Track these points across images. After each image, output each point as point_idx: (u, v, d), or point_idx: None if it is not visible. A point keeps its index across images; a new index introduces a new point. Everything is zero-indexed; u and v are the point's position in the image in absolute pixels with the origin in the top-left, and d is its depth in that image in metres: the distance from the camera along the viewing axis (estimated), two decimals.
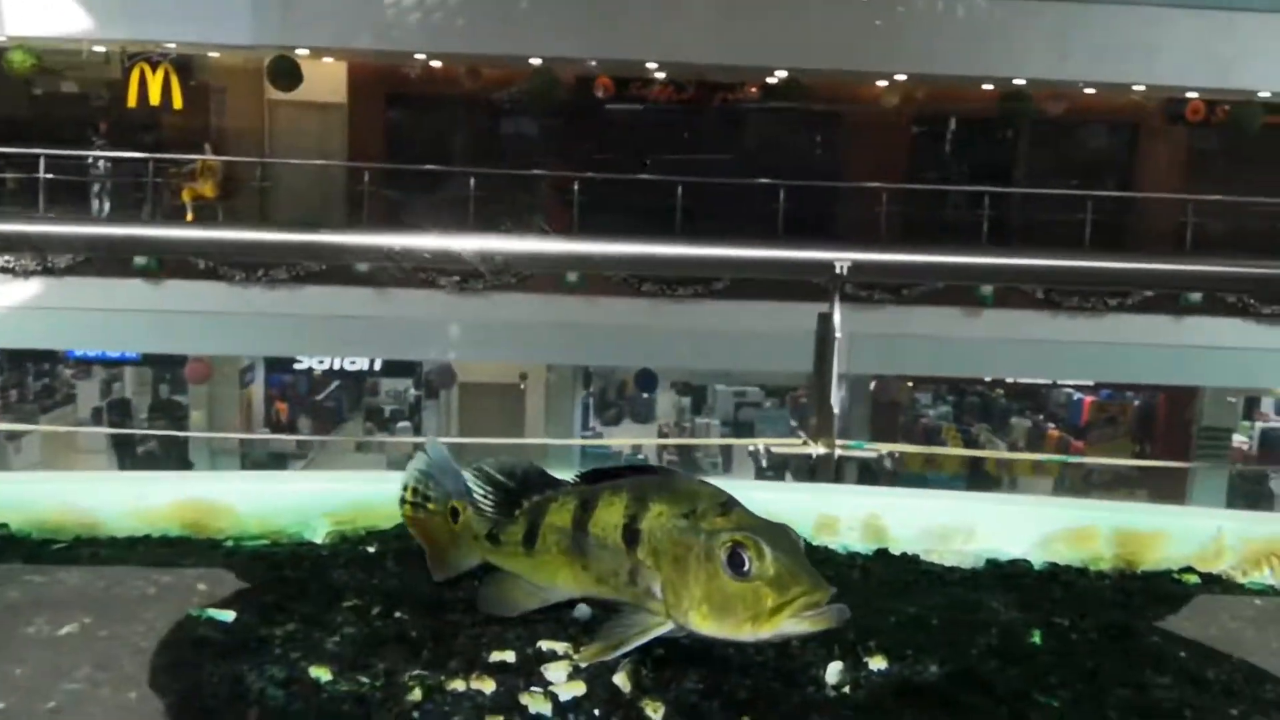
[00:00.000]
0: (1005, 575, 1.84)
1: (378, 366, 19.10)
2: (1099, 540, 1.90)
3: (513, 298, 15.41)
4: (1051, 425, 19.27)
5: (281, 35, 14.89)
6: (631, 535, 1.40)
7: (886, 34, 15.75)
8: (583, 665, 1.39)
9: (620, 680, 1.35)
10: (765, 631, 1.27)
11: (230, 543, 1.71)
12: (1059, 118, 17.35)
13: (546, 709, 1.28)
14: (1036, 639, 1.57)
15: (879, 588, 1.77)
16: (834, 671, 1.44)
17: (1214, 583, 1.84)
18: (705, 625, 1.31)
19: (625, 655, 1.38)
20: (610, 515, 1.42)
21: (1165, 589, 1.80)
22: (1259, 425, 18.47)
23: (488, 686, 1.32)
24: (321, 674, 1.30)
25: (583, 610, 1.58)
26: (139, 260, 14.56)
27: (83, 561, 1.62)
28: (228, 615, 1.42)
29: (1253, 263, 3.59)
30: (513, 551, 1.53)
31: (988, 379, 19.15)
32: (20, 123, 15.98)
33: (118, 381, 18.47)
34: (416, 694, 1.28)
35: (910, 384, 20.06)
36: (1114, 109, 17.81)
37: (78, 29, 14.24)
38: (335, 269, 14.85)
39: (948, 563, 1.86)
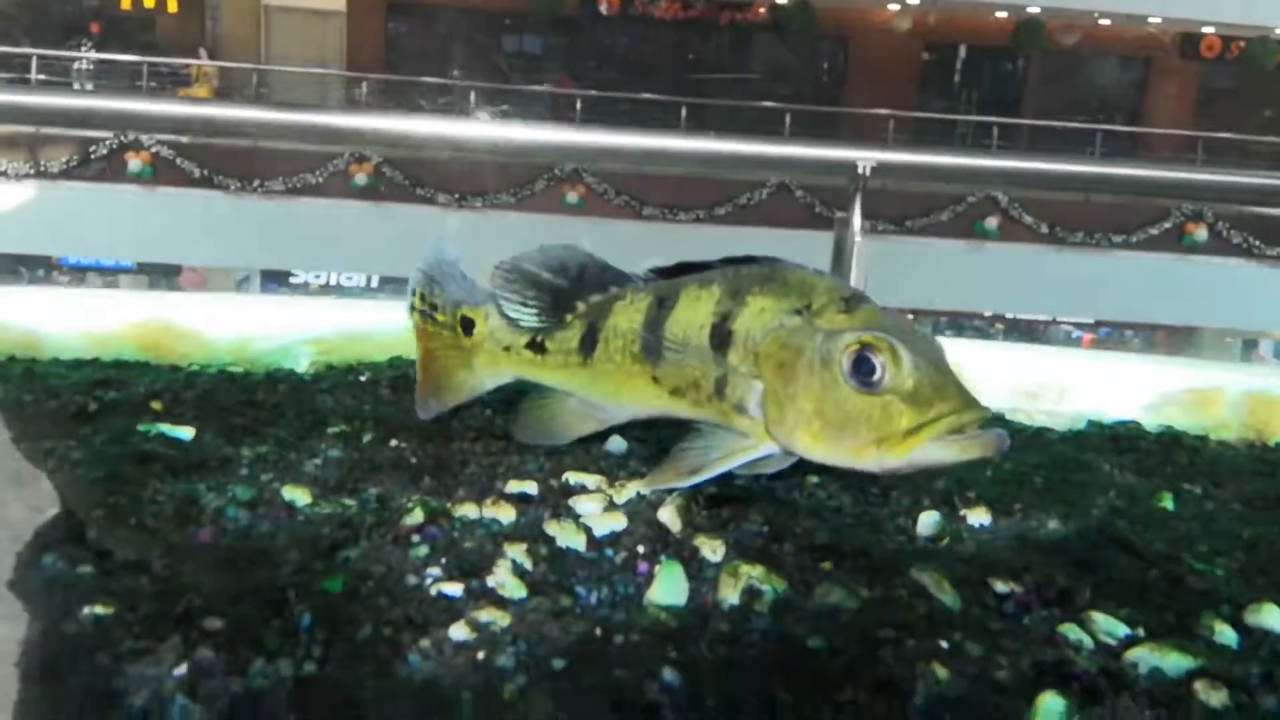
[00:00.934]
0: (1114, 437, 1.68)
1: (374, 284, 18.91)
2: (1223, 406, 1.74)
3: (512, 217, 15.20)
4: None
5: None
6: (721, 336, 1.16)
7: None
8: (646, 492, 1.20)
9: (667, 516, 1.19)
10: (895, 458, 1.06)
11: (195, 366, 1.60)
12: (1072, 49, 17.01)
13: (579, 541, 1.13)
14: (1168, 503, 1.45)
15: None
16: (928, 523, 1.28)
17: None
18: (816, 447, 1.10)
19: (702, 484, 1.17)
20: (695, 313, 1.18)
21: None
22: (1256, 367, 18.40)
23: (506, 514, 1.19)
24: (298, 496, 1.19)
25: (617, 443, 1.42)
26: (133, 166, 14.30)
27: (11, 379, 1.47)
28: (184, 433, 1.32)
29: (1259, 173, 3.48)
30: (563, 362, 1.29)
31: (988, 314, 19.02)
32: (7, 20, 15.58)
33: (114, 289, 18.29)
34: (417, 515, 1.15)
35: (911, 316, 19.97)
36: (1128, 42, 17.44)
37: None
38: (332, 181, 14.61)
39: (1040, 423, 1.70)
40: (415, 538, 1.11)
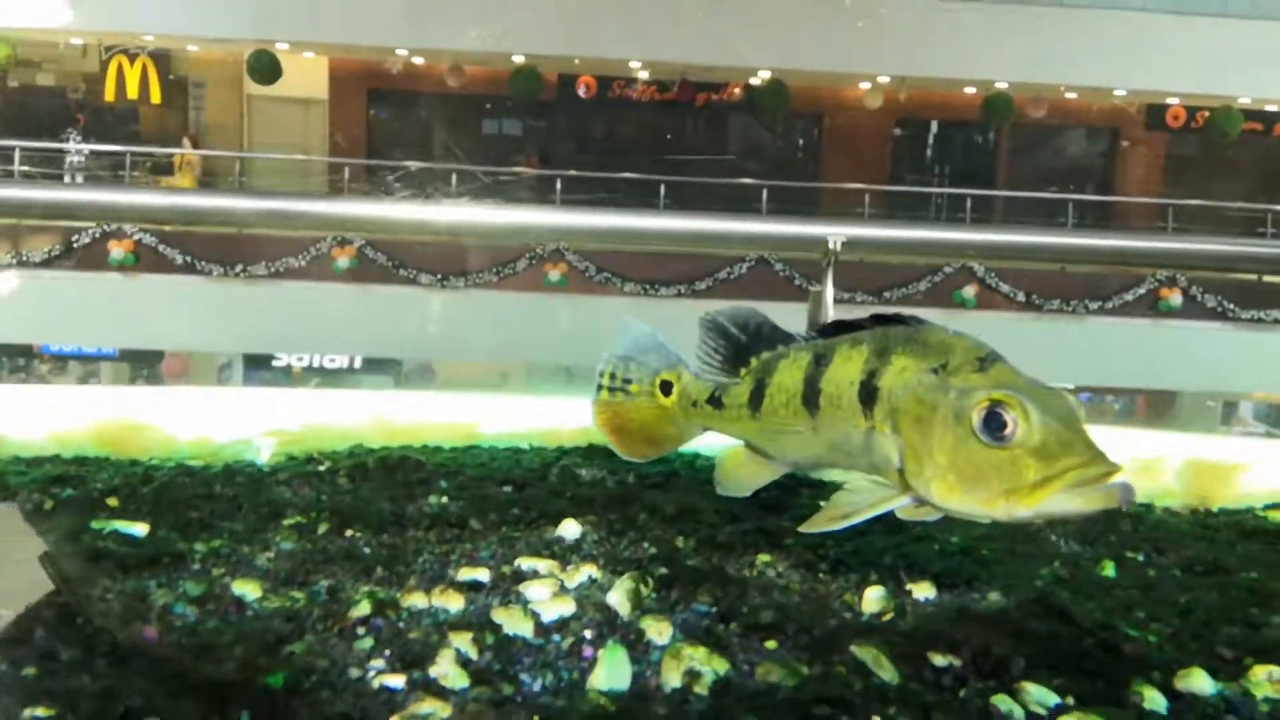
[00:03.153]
0: None
1: (358, 364, 18.92)
2: (1166, 473, 1.77)
3: (494, 296, 15.30)
4: None
5: (260, 28, 14.78)
6: (869, 393, 1.24)
7: (869, 36, 15.73)
8: (803, 532, 1.24)
9: (616, 599, 1.23)
10: (1025, 509, 1.09)
11: (155, 460, 1.62)
12: (1040, 121, 17.38)
13: (526, 628, 1.17)
14: (1110, 571, 1.47)
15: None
16: (874, 598, 1.33)
17: None
18: (950, 498, 1.14)
19: (849, 528, 1.21)
20: (847, 371, 1.26)
21: (1254, 526, 1.69)
22: (1237, 430, 18.50)
23: (454, 603, 1.21)
24: (248, 590, 1.21)
25: (571, 528, 1.47)
26: (115, 255, 14.38)
27: None
28: (138, 529, 1.33)
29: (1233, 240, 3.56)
30: (737, 415, 1.39)
31: None
32: None
33: (94, 378, 18.23)
34: (364, 607, 1.17)
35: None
36: (1095, 114, 17.84)
37: (53, 20, 14.08)
38: (315, 265, 14.71)
39: None
40: (360, 630, 1.12)
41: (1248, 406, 18.68)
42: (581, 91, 17.63)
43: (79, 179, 14.94)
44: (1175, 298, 15.29)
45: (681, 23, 15.46)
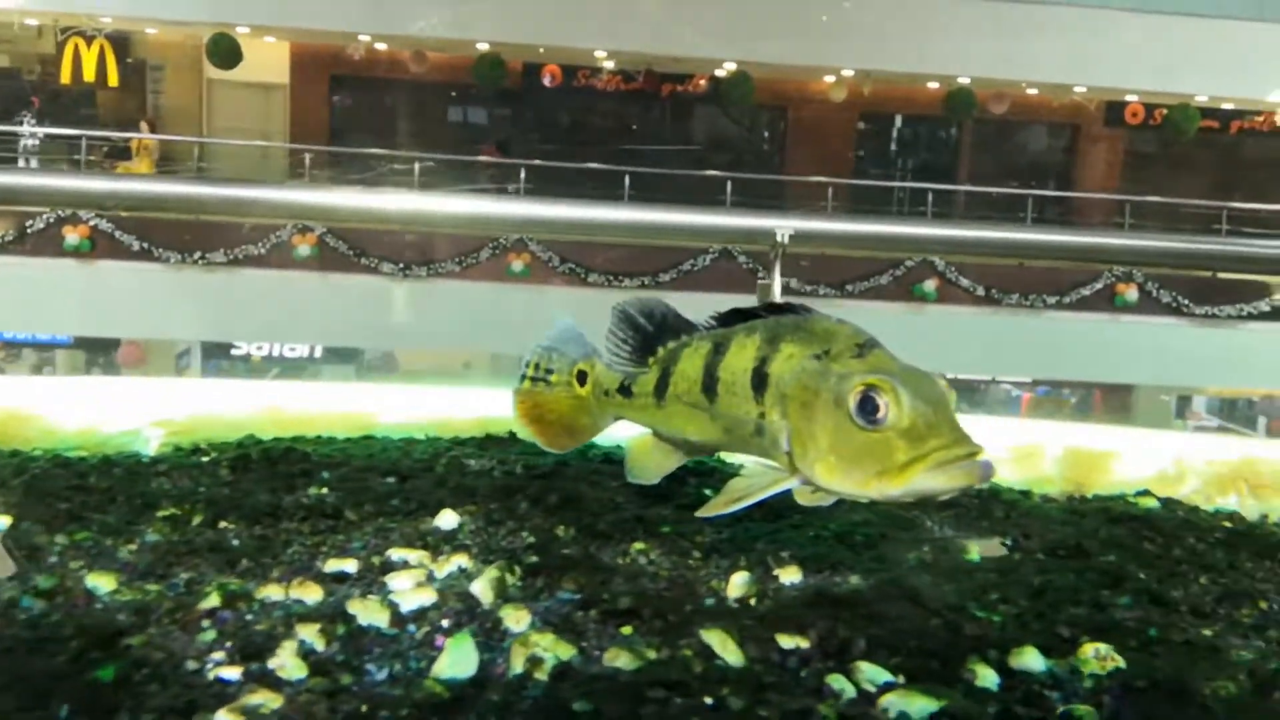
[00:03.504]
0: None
1: (318, 354, 18.78)
2: (1044, 460, 1.83)
3: (456, 285, 15.22)
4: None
5: (220, 11, 14.61)
6: (760, 380, 1.28)
7: (833, 29, 15.78)
8: (702, 516, 1.28)
9: (480, 588, 1.25)
10: (895, 488, 1.14)
11: (35, 451, 1.61)
12: (1002, 117, 17.51)
13: (382, 619, 1.18)
14: (974, 555, 1.51)
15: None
16: (739, 583, 1.36)
17: (1175, 507, 1.78)
18: (832, 479, 1.18)
19: (741, 510, 1.25)
20: (740, 359, 1.30)
21: (1121, 511, 1.74)
22: (1191, 424, 18.78)
23: (312, 595, 1.22)
24: (101, 583, 1.20)
25: (448, 519, 1.48)
26: (70, 240, 14.18)
27: None
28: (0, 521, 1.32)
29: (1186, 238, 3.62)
30: (644, 403, 1.42)
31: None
32: None
33: (49, 366, 18.00)
34: (214, 599, 1.17)
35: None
36: (1056, 110, 18.00)
37: (7, 0, 13.84)
38: (275, 253, 14.57)
39: None
40: (206, 622, 1.12)
41: (1201, 400, 18.95)
42: (547, 80, 17.56)
43: (33, 162, 14.71)
44: (1131, 293, 15.48)
45: (646, 14, 15.44)
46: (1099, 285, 15.47)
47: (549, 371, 1.54)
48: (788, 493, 1.28)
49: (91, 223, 14.12)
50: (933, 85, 16.97)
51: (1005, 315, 15.75)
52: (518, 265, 15.14)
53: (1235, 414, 19.09)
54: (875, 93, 17.53)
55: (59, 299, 14.46)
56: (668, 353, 1.41)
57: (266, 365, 18.25)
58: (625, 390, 1.45)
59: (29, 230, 13.90)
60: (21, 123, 14.76)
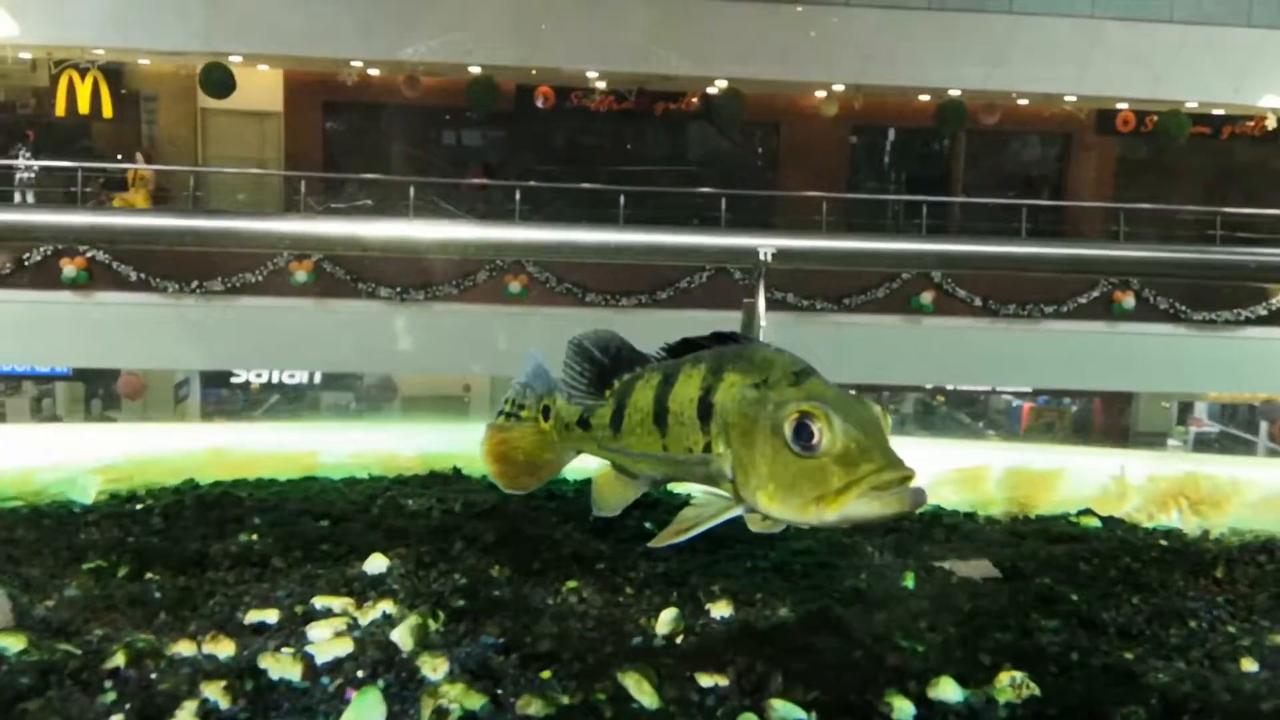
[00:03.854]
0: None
1: (318, 380, 18.81)
2: (989, 482, 1.83)
3: (455, 308, 15.24)
4: (991, 432, 19.39)
5: (212, 41, 14.68)
6: (705, 409, 1.29)
7: (823, 45, 15.83)
8: (653, 547, 1.29)
9: (401, 636, 1.23)
10: (831, 514, 1.14)
11: None
12: (994, 128, 17.54)
13: (295, 673, 1.16)
14: (909, 582, 1.50)
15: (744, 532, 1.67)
16: (667, 619, 1.35)
17: (1115, 525, 1.78)
18: (773, 507, 1.19)
19: (691, 539, 1.26)
20: (687, 389, 1.31)
21: (1061, 531, 1.74)
22: (1193, 430, 18.71)
23: (225, 649, 1.20)
24: (11, 644, 1.18)
25: (376, 563, 1.47)
26: (68, 272, 14.23)
27: None
28: None
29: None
30: (603, 436, 1.43)
31: (929, 386, 19.23)
32: None
33: (48, 398, 18.04)
34: (118, 659, 1.16)
35: (852, 392, 19.99)
36: (1047, 120, 18.03)
37: (1, 34, 13.93)
38: (272, 280, 14.61)
39: None
40: (108, 683, 1.11)
41: (1202, 407, 18.89)
42: (540, 102, 17.62)
43: (29, 195, 14.77)
44: (1129, 300, 15.45)
45: (636, 33, 15.50)
46: (1096, 293, 15.45)
47: (520, 407, 1.55)
48: (734, 521, 1.28)
49: (89, 254, 14.17)
50: (924, 98, 17.00)
51: (1003, 326, 15.73)
52: (515, 287, 15.16)
53: (1237, 419, 19.03)
54: (867, 106, 17.57)
55: (57, 331, 14.51)
56: (623, 385, 1.42)
57: (266, 393, 18.28)
58: (585, 423, 1.46)
59: (26, 263, 13.96)
60: (17, 156, 14.83)
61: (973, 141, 18.31)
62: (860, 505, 1.13)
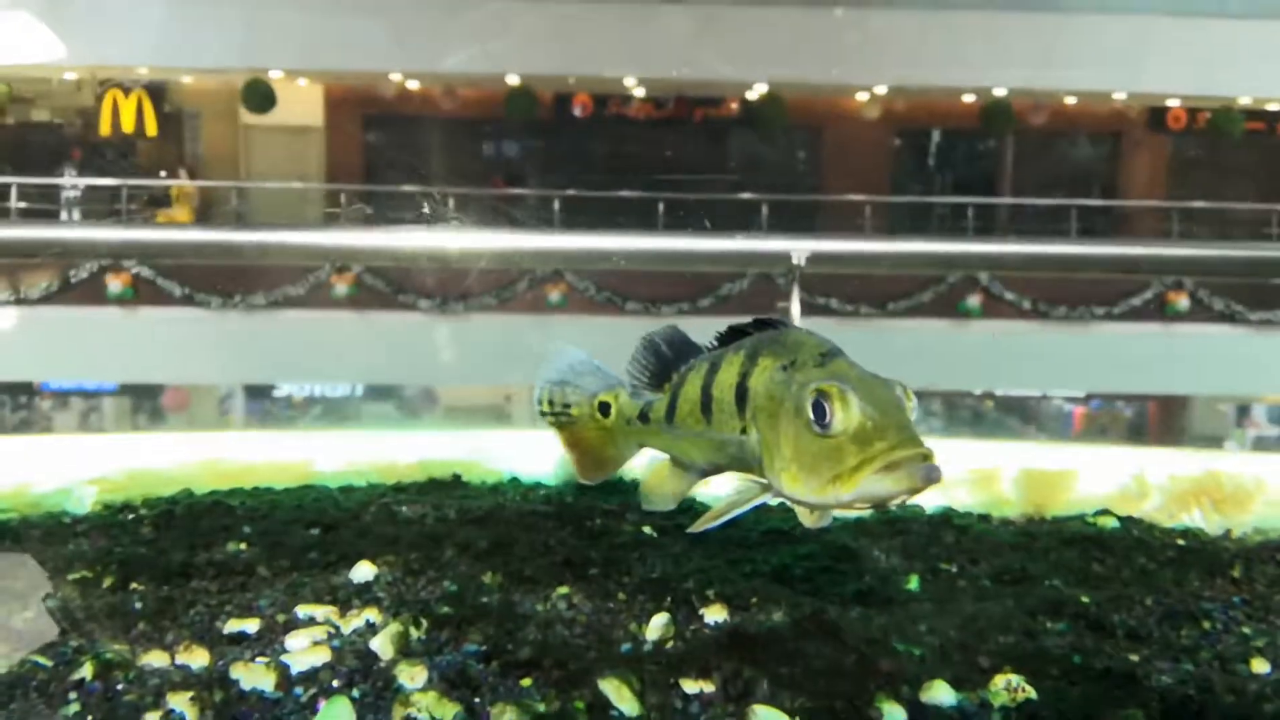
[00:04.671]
0: (890, 521, 1.74)
1: (359, 391, 18.92)
2: (1001, 483, 1.80)
3: (494, 319, 15.25)
4: (1043, 437, 19.04)
5: (253, 57, 14.86)
6: (742, 395, 1.30)
7: (864, 46, 15.67)
8: (693, 531, 1.29)
9: (380, 644, 1.16)
10: (847, 493, 1.14)
11: None
12: (1041, 128, 17.24)
13: (267, 682, 1.10)
14: (914, 585, 1.44)
15: (745, 536, 1.60)
16: (657, 625, 1.31)
17: (1134, 525, 1.72)
18: (795, 488, 1.19)
19: (726, 523, 1.26)
20: (728, 376, 1.33)
21: (1074, 532, 1.69)
22: (1251, 433, 18.24)
23: (198, 660, 1.13)
24: None
25: (363, 571, 1.41)
26: (113, 288, 14.43)
27: None
28: None
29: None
30: (659, 429, 1.44)
31: (977, 392, 18.94)
32: None
33: (95, 413, 18.31)
34: (85, 672, 1.08)
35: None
36: (1096, 118, 17.70)
37: (47, 55, 14.18)
38: (314, 293, 14.72)
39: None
40: (72, 695, 1.04)
41: (1260, 409, 18.42)
42: (578, 111, 17.63)
43: (76, 214, 15.02)
44: (1182, 301, 15.10)
45: (675, 38, 15.44)
46: (1148, 294, 15.11)
47: (566, 406, 1.55)
48: (733, 525, 1.26)
49: (134, 270, 14.37)
50: (969, 98, 16.77)
51: (1052, 328, 15.43)
52: (555, 296, 15.15)
53: None
54: (910, 108, 17.37)
55: (103, 347, 14.71)
56: (679, 377, 1.43)
57: (308, 405, 18.42)
58: (644, 417, 1.47)
59: (72, 280, 14.17)
60: (64, 175, 15.10)
61: (1019, 142, 18.02)
62: (874, 482, 1.11)
